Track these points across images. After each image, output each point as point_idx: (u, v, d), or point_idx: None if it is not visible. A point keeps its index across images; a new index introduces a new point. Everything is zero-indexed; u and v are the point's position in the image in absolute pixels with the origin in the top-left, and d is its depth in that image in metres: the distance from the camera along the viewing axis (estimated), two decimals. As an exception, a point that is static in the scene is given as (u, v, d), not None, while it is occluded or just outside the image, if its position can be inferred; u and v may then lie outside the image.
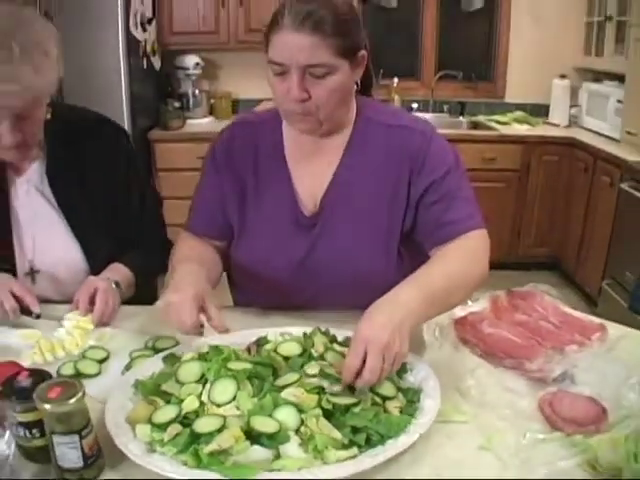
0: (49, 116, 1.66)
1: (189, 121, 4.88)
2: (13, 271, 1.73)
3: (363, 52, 1.49)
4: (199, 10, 4.77)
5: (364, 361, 1.15)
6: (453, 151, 1.61)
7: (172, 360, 1.32)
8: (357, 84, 1.55)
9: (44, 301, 1.68)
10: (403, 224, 1.60)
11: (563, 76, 5.05)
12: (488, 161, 4.64)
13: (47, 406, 1.02)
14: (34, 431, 1.08)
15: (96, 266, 1.77)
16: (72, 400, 1.03)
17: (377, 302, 1.25)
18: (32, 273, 1.77)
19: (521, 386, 1.34)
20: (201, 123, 4.96)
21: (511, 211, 4.79)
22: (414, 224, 1.59)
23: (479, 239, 1.52)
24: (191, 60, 4.95)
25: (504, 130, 4.84)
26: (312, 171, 1.63)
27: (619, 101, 4.40)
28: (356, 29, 1.46)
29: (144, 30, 4.51)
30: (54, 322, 1.60)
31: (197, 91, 5.05)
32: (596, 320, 1.62)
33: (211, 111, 5.19)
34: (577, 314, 1.65)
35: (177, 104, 4.87)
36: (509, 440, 1.15)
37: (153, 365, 1.32)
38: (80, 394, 1.04)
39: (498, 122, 5.04)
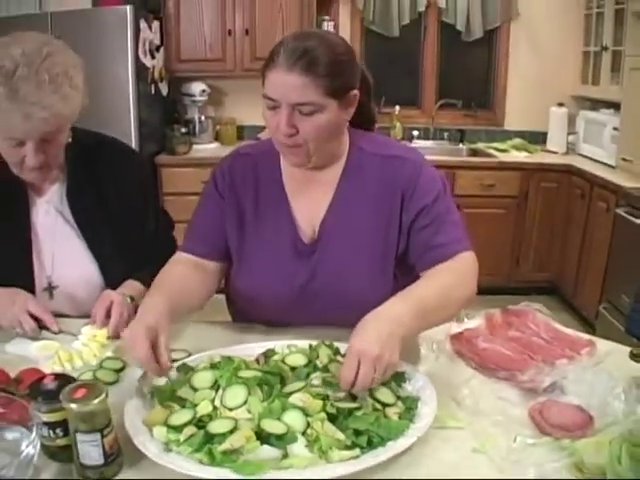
0: (70, 140, 1.75)
1: (195, 146, 4.98)
2: (31, 286, 1.79)
3: (355, 92, 1.57)
4: (206, 38, 4.90)
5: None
6: (441, 178, 1.70)
7: (185, 369, 1.40)
8: (358, 119, 1.65)
9: (61, 316, 1.76)
10: (397, 249, 1.67)
11: (561, 104, 5.17)
12: (487, 187, 4.74)
13: (73, 405, 1.10)
14: (58, 431, 1.16)
15: (112, 283, 1.84)
16: (96, 401, 1.10)
17: (367, 316, 1.33)
18: (50, 289, 1.84)
19: (513, 396, 1.42)
20: (207, 148, 5.06)
21: (510, 237, 4.88)
22: (407, 248, 1.67)
23: (467, 261, 1.59)
24: (197, 87, 5.07)
25: (503, 157, 4.94)
26: (309, 200, 1.70)
27: (615, 128, 4.50)
28: (349, 70, 1.55)
29: (152, 57, 4.64)
30: (71, 334, 1.67)
31: (203, 117, 5.17)
32: (585, 336, 1.70)
33: (216, 137, 5.30)
34: (567, 331, 1.73)
35: (183, 130, 4.98)
36: (501, 444, 1.22)
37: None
38: (103, 395, 1.12)
39: (497, 149, 5.15)
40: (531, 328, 1.73)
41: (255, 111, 5.21)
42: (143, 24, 4.46)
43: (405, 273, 1.69)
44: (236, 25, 4.86)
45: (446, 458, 1.20)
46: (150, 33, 4.59)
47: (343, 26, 5.27)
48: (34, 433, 1.12)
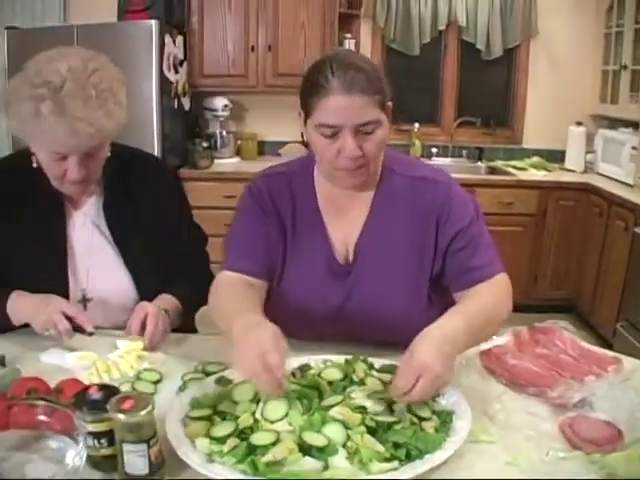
0: (108, 154, 1.78)
1: (217, 161, 5.03)
2: (66, 298, 1.79)
3: (390, 103, 1.61)
4: (229, 54, 4.96)
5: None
6: (472, 199, 1.74)
7: (224, 382, 1.44)
8: None
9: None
10: (432, 271, 1.71)
11: (579, 123, 5.19)
12: (506, 205, 4.76)
13: (121, 416, 1.13)
14: (103, 440, 1.18)
15: (145, 296, 1.85)
16: (143, 412, 1.13)
17: (425, 332, 1.36)
18: (84, 301, 1.85)
19: (543, 411, 1.45)
20: (228, 163, 5.10)
21: (528, 255, 4.89)
22: (442, 270, 1.70)
23: (503, 283, 1.65)
24: (220, 102, 5.12)
25: (521, 175, 4.96)
26: (344, 222, 1.73)
27: (634, 147, 4.52)
28: (385, 83, 1.58)
29: (176, 72, 4.71)
30: (106, 345, 1.69)
31: (224, 132, 5.23)
32: (610, 353, 1.73)
33: (237, 152, 5.34)
34: (594, 348, 1.76)
35: (205, 144, 5.03)
36: (533, 457, 1.25)
37: (205, 386, 1.44)
38: (150, 407, 1.15)
39: (515, 167, 5.18)
40: (558, 345, 1.76)
41: (276, 127, 5.34)
42: (168, 39, 4.53)
43: (438, 294, 1.73)
44: (259, 41, 4.92)
45: (480, 471, 1.23)
46: (174, 48, 4.66)
47: (364, 44, 5.32)
48: (81, 444, 1.13)
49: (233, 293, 1.64)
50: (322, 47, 4.91)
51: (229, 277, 1.71)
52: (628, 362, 1.67)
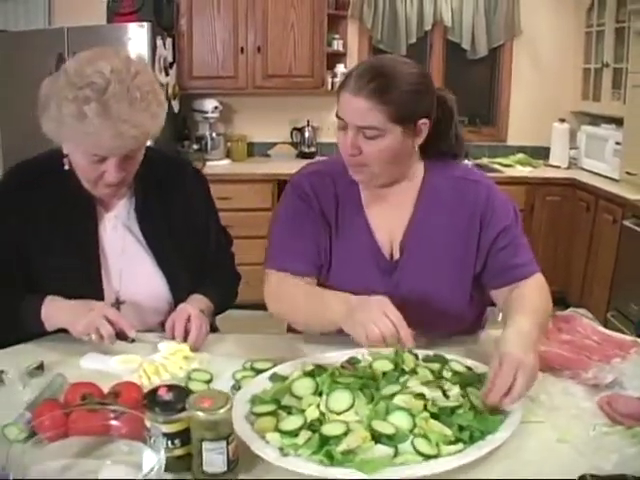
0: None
1: (208, 163, 5.03)
2: (99, 299, 1.79)
3: (424, 121, 1.64)
4: (218, 56, 4.98)
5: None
6: (511, 202, 1.81)
7: (278, 378, 1.48)
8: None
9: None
10: (474, 268, 1.77)
11: (562, 120, 5.30)
12: (495, 201, 4.83)
13: (200, 414, 1.14)
14: (176, 441, 1.18)
15: (178, 298, 1.87)
16: (223, 410, 1.15)
17: (505, 336, 1.46)
18: (117, 303, 1.84)
19: (580, 392, 1.53)
20: (218, 165, 5.10)
21: (517, 249, 4.96)
22: (483, 268, 1.77)
23: (542, 281, 1.75)
24: (210, 104, 5.14)
25: (508, 172, 5.06)
26: (388, 218, 1.78)
27: (617, 143, 4.64)
28: (418, 99, 1.62)
29: (166, 74, 4.71)
30: (148, 347, 1.69)
31: (214, 134, 5.23)
32: (629, 338, 1.82)
33: (227, 153, 5.36)
34: (612, 333, 1.85)
35: (195, 146, 5.05)
36: (581, 433, 1.34)
37: (260, 383, 1.47)
38: (229, 405, 1.17)
39: (501, 164, 5.28)
40: (580, 332, 1.83)
41: (265, 128, 5.37)
42: (159, 41, 4.54)
43: (478, 292, 1.80)
44: (248, 43, 4.95)
45: (535, 449, 1.31)
46: (164, 50, 4.66)
47: (351, 44, 5.39)
48: (159, 445, 1.12)
49: (304, 289, 1.74)
50: (311, 48, 4.97)
51: (286, 278, 1.76)
52: (646, 345, 1.76)
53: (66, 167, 1.75)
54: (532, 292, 1.68)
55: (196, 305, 1.82)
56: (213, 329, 2.00)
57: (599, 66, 5.04)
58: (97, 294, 1.80)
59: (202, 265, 1.96)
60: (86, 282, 1.80)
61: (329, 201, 1.79)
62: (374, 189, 1.77)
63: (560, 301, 4.97)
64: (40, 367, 1.56)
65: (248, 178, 4.77)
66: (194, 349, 1.69)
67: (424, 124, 1.65)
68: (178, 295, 1.89)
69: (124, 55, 1.67)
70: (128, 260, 1.86)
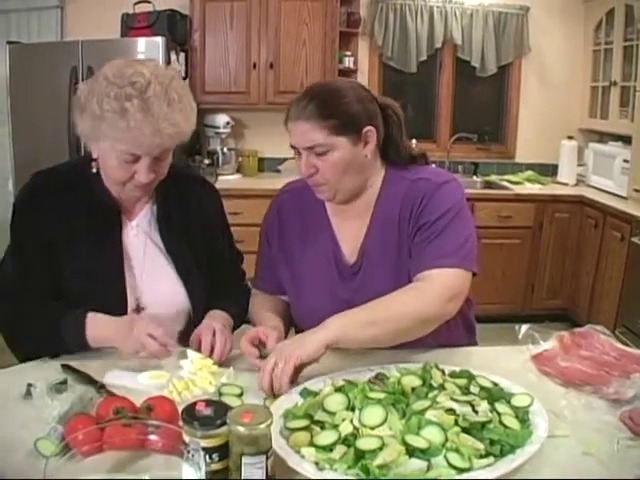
0: None
1: (219, 178, 5.05)
2: (123, 307, 1.83)
3: (368, 128, 1.74)
4: (231, 71, 5.03)
5: None
6: (455, 197, 1.78)
7: (309, 393, 1.50)
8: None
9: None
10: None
11: (570, 137, 5.35)
12: (504, 219, 4.90)
13: (241, 429, 1.14)
14: (214, 456, 1.18)
15: (196, 307, 1.92)
16: (263, 425, 1.16)
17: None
18: (138, 310, 1.86)
19: (603, 406, 1.55)
20: (229, 180, 5.13)
21: (525, 266, 5.02)
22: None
23: (437, 279, 1.68)
24: (222, 119, 5.17)
25: (518, 189, 5.10)
26: (350, 226, 1.87)
27: (625, 160, 4.68)
28: (355, 109, 1.72)
29: (179, 89, 4.73)
30: (171, 363, 1.69)
31: (226, 149, 5.28)
32: (646, 353, 1.86)
33: (238, 168, 5.39)
34: (629, 349, 1.88)
35: (207, 161, 5.08)
36: (605, 447, 1.37)
37: (291, 399, 1.49)
38: (270, 420, 1.18)
39: (510, 181, 5.32)
40: (598, 348, 1.87)
41: (276, 143, 5.40)
42: (173, 56, 4.60)
43: None
44: (261, 59, 4.99)
45: (561, 462, 1.33)
46: (177, 65, 4.71)
47: (362, 61, 5.44)
48: (200, 461, 1.13)
49: (257, 302, 2.03)
50: (323, 65, 5.02)
51: (255, 292, 2.07)
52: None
53: (94, 170, 1.79)
54: (398, 294, 1.67)
55: (219, 320, 1.86)
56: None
57: (607, 84, 5.09)
58: (121, 301, 1.83)
59: (216, 279, 2.00)
60: (111, 289, 1.82)
61: (294, 217, 1.94)
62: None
63: (565, 318, 5.03)
64: (64, 382, 1.57)
65: (259, 193, 4.78)
66: (218, 364, 1.71)
67: (370, 131, 1.74)
68: (196, 304, 1.93)
69: (158, 63, 1.76)
70: (149, 268, 1.90)
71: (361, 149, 1.74)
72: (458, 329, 1.92)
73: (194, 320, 1.91)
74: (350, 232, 1.87)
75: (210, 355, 1.73)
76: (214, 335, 1.77)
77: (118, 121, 1.60)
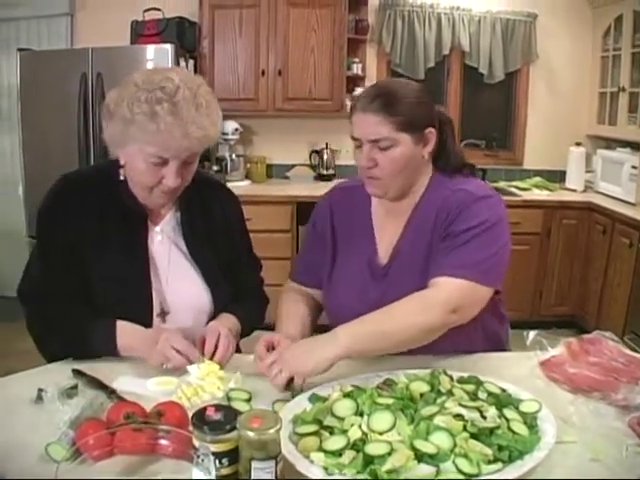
0: None
1: (228, 184, 5.03)
2: (150, 312, 1.85)
3: (430, 129, 1.78)
4: (239, 78, 5.05)
5: None
6: (493, 214, 1.76)
7: (317, 399, 1.51)
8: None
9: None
10: None
11: (578, 143, 5.35)
12: (513, 225, 4.81)
13: (251, 434, 1.15)
14: (224, 460, 1.17)
15: (218, 312, 1.94)
16: (273, 429, 1.16)
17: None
18: (162, 314, 1.88)
19: (611, 412, 1.56)
20: (238, 186, 5.08)
21: (533, 272, 5.03)
22: None
23: (445, 288, 1.68)
24: (230, 125, 5.19)
25: (526, 195, 5.10)
26: (389, 227, 1.91)
27: (634, 167, 4.67)
28: (420, 109, 1.76)
29: (187, 98, 4.76)
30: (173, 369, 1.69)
31: (234, 155, 5.30)
32: (654, 360, 1.86)
33: (247, 175, 5.41)
34: (638, 355, 1.88)
35: (216, 167, 5.10)
36: (614, 453, 1.37)
37: (299, 404, 1.50)
38: (279, 425, 1.18)
39: (518, 188, 5.31)
40: (606, 354, 1.87)
41: (284, 150, 5.43)
42: (182, 63, 4.62)
43: None
44: (269, 66, 5.02)
45: (569, 468, 1.33)
46: (187, 71, 4.71)
47: (370, 68, 5.45)
48: (210, 466, 1.15)
49: (287, 299, 2.04)
50: (331, 72, 5.04)
51: (290, 285, 2.10)
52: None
53: (121, 178, 1.81)
54: (401, 303, 1.68)
55: (225, 323, 1.87)
56: (237, 350, 2.01)
57: (615, 90, 5.09)
58: (148, 306, 1.85)
59: (236, 283, 2.01)
60: (137, 292, 1.84)
61: (344, 214, 1.99)
62: (383, 203, 1.91)
63: (573, 324, 5.03)
64: (75, 387, 1.58)
65: (267, 200, 4.82)
66: (223, 368, 1.72)
67: (430, 133, 1.79)
68: (219, 309, 1.95)
69: (185, 70, 1.79)
70: (174, 273, 1.91)
71: (420, 149, 1.78)
72: (478, 339, 1.92)
73: None
74: (387, 233, 1.91)
75: (211, 358, 1.74)
76: (218, 338, 1.78)
77: (148, 124, 1.63)
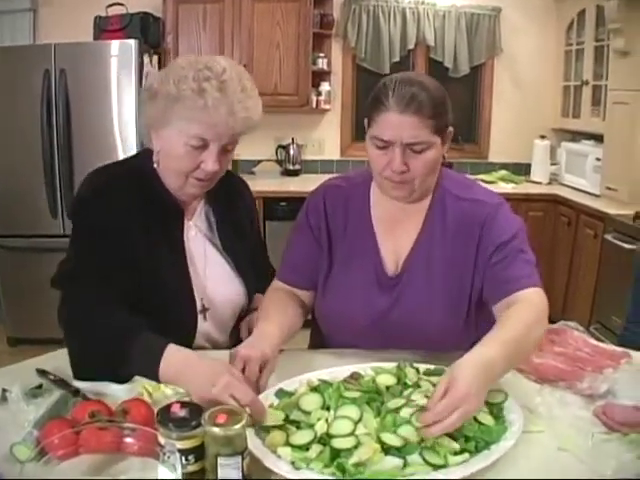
0: None
1: (192, 179, 5.03)
2: (194, 309, 1.82)
3: (451, 129, 1.71)
4: (202, 74, 4.99)
5: None
6: (518, 221, 1.82)
7: (284, 394, 1.50)
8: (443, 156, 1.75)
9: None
10: (472, 287, 1.77)
11: (543, 136, 5.40)
12: (480, 218, 4.88)
13: (216, 430, 1.14)
14: (190, 457, 1.18)
15: (249, 303, 1.97)
16: (238, 425, 1.16)
17: (465, 360, 1.37)
18: (204, 311, 1.86)
19: (577, 401, 1.58)
20: (204, 181, 5.11)
21: (500, 264, 5.03)
22: (482, 285, 1.76)
23: (538, 297, 1.66)
24: (195, 122, 5.12)
25: (492, 189, 5.06)
26: (396, 235, 1.82)
27: (597, 159, 4.74)
28: (446, 109, 1.68)
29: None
30: None
31: (200, 151, 5.23)
32: (618, 349, 1.89)
33: (212, 170, 5.35)
34: (601, 344, 1.91)
35: (181, 163, 5.04)
36: (580, 442, 1.38)
37: (267, 398, 1.48)
38: (245, 420, 1.18)
39: (484, 181, 5.30)
40: (572, 344, 1.89)
41: (250, 145, 5.40)
42: (146, 59, 4.57)
43: (480, 309, 1.80)
44: (234, 60, 4.94)
45: (537, 457, 1.35)
46: (150, 67, 4.68)
47: (335, 63, 5.46)
48: (176, 463, 1.14)
49: (270, 299, 1.85)
50: (297, 66, 5.03)
51: (277, 284, 1.91)
52: (636, 355, 1.83)
53: (155, 165, 1.77)
54: (521, 313, 1.58)
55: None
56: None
57: (579, 83, 5.15)
58: (190, 302, 1.83)
59: (258, 269, 2.04)
60: (180, 290, 1.81)
61: (338, 217, 1.86)
62: (386, 208, 1.82)
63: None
64: (40, 386, 1.56)
65: (234, 195, 4.80)
66: None
67: (450, 132, 1.72)
68: (250, 300, 1.98)
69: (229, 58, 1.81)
70: (210, 267, 1.90)
71: (444, 149, 1.71)
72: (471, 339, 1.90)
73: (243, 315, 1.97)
74: (395, 243, 1.83)
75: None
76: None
77: (196, 99, 1.62)
